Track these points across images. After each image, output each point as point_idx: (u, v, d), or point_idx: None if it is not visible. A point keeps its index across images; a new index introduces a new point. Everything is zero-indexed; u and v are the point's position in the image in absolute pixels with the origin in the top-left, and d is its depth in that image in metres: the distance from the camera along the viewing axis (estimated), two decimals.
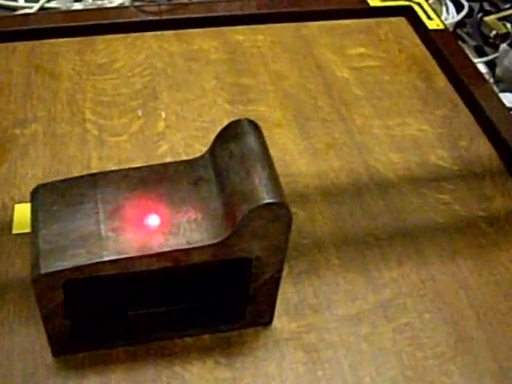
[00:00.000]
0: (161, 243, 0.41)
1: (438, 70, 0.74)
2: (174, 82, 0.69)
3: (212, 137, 0.62)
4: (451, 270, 0.54)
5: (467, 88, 0.70)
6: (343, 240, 0.56)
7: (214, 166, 0.44)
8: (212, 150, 0.45)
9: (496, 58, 0.90)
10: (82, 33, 0.72)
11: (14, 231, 0.54)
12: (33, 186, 0.57)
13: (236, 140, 0.43)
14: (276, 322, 0.50)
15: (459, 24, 0.96)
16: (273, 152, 0.64)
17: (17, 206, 0.55)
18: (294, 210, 0.58)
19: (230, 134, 0.44)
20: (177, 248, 0.41)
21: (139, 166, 0.46)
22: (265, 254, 0.43)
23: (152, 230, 0.42)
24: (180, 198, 0.43)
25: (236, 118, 0.45)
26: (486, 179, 0.62)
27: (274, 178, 0.41)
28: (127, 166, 0.60)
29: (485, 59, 0.91)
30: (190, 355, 0.47)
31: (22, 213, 0.55)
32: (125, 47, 0.72)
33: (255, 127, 0.44)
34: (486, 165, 0.64)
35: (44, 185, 0.45)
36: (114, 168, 0.60)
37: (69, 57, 0.70)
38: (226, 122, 0.65)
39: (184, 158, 0.61)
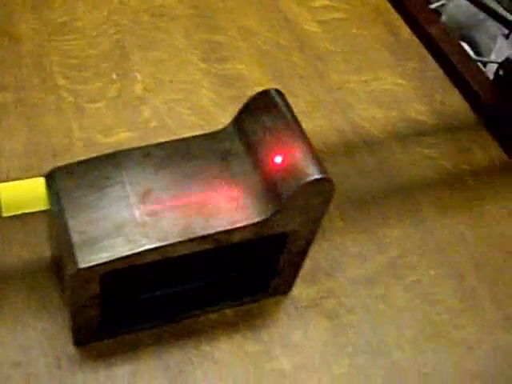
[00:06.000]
0: (203, 225, 0.39)
1: (402, 21, 0.74)
2: (143, 40, 0.65)
3: (194, 99, 0.61)
4: (448, 224, 0.56)
5: (433, 40, 0.71)
6: (344, 201, 0.56)
7: (241, 140, 0.42)
8: (238, 122, 0.43)
9: (443, 5, 0.92)
10: None
11: (5, 214, 0.50)
12: (14, 160, 0.54)
13: (268, 111, 0.41)
14: (294, 290, 0.50)
15: None
16: None
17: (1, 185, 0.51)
18: None
19: (259, 104, 0.42)
20: (219, 230, 0.39)
21: (160, 142, 0.43)
22: (301, 228, 0.42)
23: (191, 211, 0.40)
24: (212, 176, 0.41)
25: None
26: (464, 132, 0.64)
27: (314, 151, 0.40)
28: (114, 134, 0.58)
29: (433, 6, 0.92)
30: (216, 332, 0.47)
31: (9, 193, 0.51)
32: (84, 3, 0.67)
33: (284, 97, 0.43)
34: (461, 118, 0.66)
35: (59, 168, 0.41)
36: (99, 137, 0.56)
37: (25, 16, 0.65)
38: (205, 83, 0.63)
39: (170, 123, 0.59)
